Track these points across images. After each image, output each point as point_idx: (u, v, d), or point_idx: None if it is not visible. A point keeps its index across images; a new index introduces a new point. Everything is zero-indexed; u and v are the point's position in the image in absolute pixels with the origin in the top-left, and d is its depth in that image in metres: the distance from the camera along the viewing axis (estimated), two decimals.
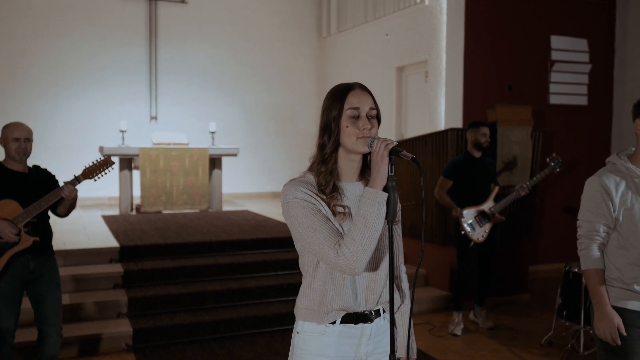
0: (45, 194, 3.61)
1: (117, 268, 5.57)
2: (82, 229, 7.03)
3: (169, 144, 8.76)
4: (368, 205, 1.74)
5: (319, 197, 1.84)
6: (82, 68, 9.93)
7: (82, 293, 5.26)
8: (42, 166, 3.86)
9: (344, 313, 1.88)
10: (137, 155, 8.44)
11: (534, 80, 7.56)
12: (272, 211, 8.90)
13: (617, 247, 2.62)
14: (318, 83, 11.47)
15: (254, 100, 11.06)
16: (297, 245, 1.92)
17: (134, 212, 8.59)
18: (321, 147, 1.88)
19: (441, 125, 7.34)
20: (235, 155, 9.14)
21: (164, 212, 8.56)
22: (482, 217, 5.31)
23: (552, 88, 7.68)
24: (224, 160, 9.41)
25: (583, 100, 7.90)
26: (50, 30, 9.75)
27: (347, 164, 1.90)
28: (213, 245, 6.17)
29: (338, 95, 1.87)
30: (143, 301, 5.21)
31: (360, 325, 1.90)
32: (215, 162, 9.04)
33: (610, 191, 2.59)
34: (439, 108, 7.48)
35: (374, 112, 1.87)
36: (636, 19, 7.88)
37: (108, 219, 7.72)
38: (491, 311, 6.00)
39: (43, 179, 3.73)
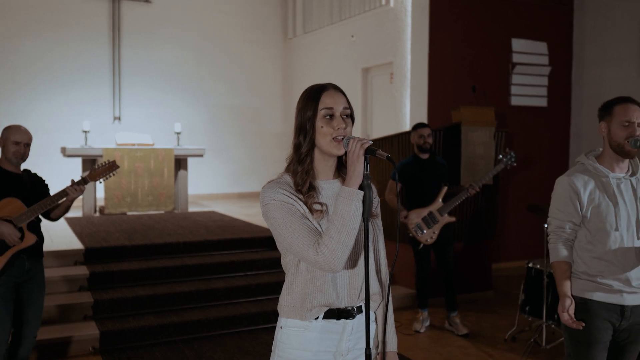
0: (37, 197, 3.62)
1: (83, 270, 5.50)
2: (45, 231, 6.82)
3: (134, 144, 8.66)
4: (345, 204, 1.78)
5: (297, 196, 1.89)
6: (44, 68, 9.74)
7: (47, 296, 5.09)
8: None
9: (326, 309, 1.92)
10: (101, 156, 8.32)
11: (496, 82, 7.74)
12: (239, 212, 8.88)
13: (585, 243, 2.76)
14: (283, 84, 11.49)
15: (219, 101, 11.01)
16: (278, 246, 1.96)
17: (97, 214, 8.47)
18: (297, 147, 1.93)
19: (406, 126, 7.44)
20: (201, 155, 9.09)
21: (129, 213, 8.46)
22: (429, 218, 5.31)
23: (514, 90, 7.87)
24: (189, 161, 9.35)
25: (543, 102, 8.12)
26: (9, 30, 9.53)
27: (323, 163, 1.95)
28: (180, 247, 6.13)
29: (312, 96, 1.92)
30: (110, 303, 5.15)
31: (342, 321, 1.95)
32: (180, 163, 8.98)
33: (579, 190, 2.74)
34: (404, 109, 7.59)
35: (347, 112, 1.92)
36: (593, 24, 8.14)
37: (71, 221, 7.59)
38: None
39: (35, 182, 3.74)
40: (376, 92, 8.69)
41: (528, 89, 7.96)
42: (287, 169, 1.96)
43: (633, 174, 2.77)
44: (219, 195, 11.00)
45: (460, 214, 6.24)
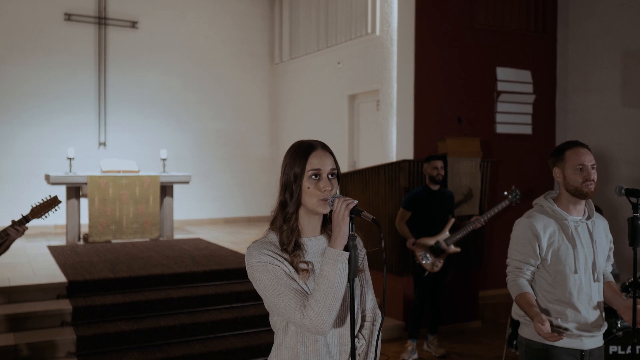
0: None
1: (65, 304, 5.40)
2: (27, 262, 6.79)
3: (119, 171, 8.58)
4: (330, 266, 1.78)
5: (282, 256, 1.88)
6: (29, 94, 9.66)
7: (28, 332, 5.07)
8: None
9: None
10: (86, 184, 8.23)
11: (482, 110, 7.79)
12: (224, 239, 8.82)
13: (546, 285, 2.79)
14: (270, 109, 11.49)
15: (205, 125, 10.98)
16: (266, 306, 1.94)
17: (81, 242, 8.36)
18: (283, 204, 1.92)
19: (393, 154, 7.46)
20: (187, 182, 9.03)
21: (113, 241, 8.36)
22: (436, 248, 5.44)
23: (499, 118, 7.92)
24: (175, 186, 9.29)
25: (527, 130, 8.17)
26: None
27: (308, 221, 1.94)
28: (165, 279, 6.05)
29: (300, 155, 1.91)
30: (92, 339, 5.05)
31: None
32: (166, 190, 8.91)
33: (538, 233, 2.77)
34: (390, 137, 7.61)
35: (334, 172, 1.92)
36: (576, 53, 8.24)
37: (54, 250, 7.49)
38: (443, 339, 6.08)
39: None
40: (363, 118, 8.71)
41: (513, 116, 8.02)
42: (273, 225, 1.95)
43: (589, 217, 2.84)
44: (205, 220, 10.93)
45: None
